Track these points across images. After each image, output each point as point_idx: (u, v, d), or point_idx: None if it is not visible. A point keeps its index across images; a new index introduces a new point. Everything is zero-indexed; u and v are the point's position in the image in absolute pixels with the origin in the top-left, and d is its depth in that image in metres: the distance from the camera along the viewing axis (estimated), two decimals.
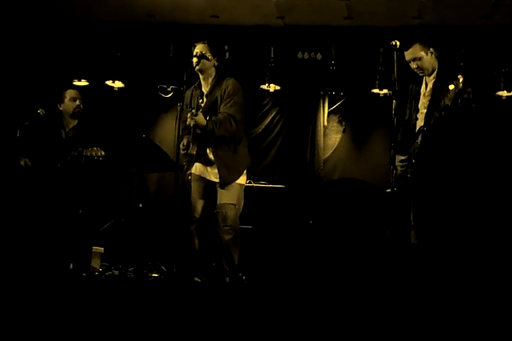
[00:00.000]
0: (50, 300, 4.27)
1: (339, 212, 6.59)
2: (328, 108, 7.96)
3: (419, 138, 5.25)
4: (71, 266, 5.84)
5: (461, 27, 7.39)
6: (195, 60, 5.72)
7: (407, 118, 5.57)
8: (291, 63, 7.88)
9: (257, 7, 7.38)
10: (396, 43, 5.15)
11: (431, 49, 5.39)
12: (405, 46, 5.38)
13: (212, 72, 5.82)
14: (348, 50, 7.74)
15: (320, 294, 5.02)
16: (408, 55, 5.42)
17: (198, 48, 5.78)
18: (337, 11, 7.32)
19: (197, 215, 5.74)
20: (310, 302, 4.56)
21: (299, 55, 7.83)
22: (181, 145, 5.70)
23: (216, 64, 5.82)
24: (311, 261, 6.26)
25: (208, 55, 5.70)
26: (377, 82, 7.54)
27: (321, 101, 7.94)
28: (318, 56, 7.79)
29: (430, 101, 5.36)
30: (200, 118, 5.52)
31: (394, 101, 5.09)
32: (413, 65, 5.43)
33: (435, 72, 5.42)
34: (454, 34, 7.30)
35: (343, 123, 7.96)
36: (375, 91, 7.58)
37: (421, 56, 5.38)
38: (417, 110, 5.49)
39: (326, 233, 6.49)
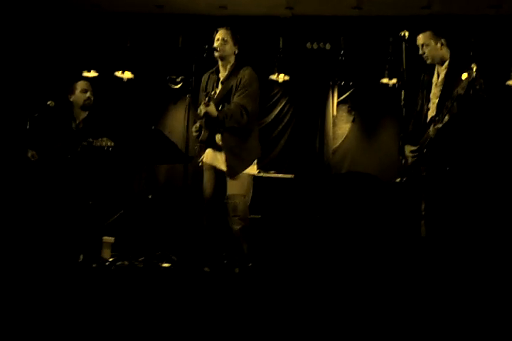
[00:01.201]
0: (61, 291, 4.30)
1: (346, 206, 6.60)
2: (338, 98, 7.99)
3: (431, 127, 5.24)
4: (81, 257, 5.86)
5: (471, 16, 7.37)
6: (216, 44, 5.71)
7: (418, 108, 5.56)
8: (300, 53, 7.91)
9: None
10: (405, 34, 5.16)
11: (442, 40, 5.39)
12: (420, 31, 5.40)
13: (232, 59, 5.80)
14: (357, 40, 7.76)
15: (328, 285, 5.02)
16: (419, 39, 5.43)
17: (221, 34, 5.75)
18: (346, 0, 7.31)
19: (208, 203, 5.76)
20: (318, 294, 4.57)
21: (308, 45, 7.85)
22: (194, 128, 5.73)
23: (236, 52, 5.81)
24: (319, 253, 6.27)
25: (230, 41, 5.70)
26: (386, 72, 7.57)
27: (330, 91, 7.97)
28: (327, 46, 7.82)
29: (442, 90, 5.34)
30: (212, 109, 5.52)
31: (403, 91, 5.09)
32: (421, 51, 5.44)
33: (447, 62, 5.41)
34: (463, 24, 7.28)
35: (353, 113, 7.98)
36: (384, 81, 7.59)
37: (428, 43, 5.38)
38: (429, 100, 5.48)
39: (333, 227, 6.50)
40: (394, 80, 7.51)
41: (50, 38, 8.10)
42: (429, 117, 5.40)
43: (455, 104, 5.08)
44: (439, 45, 5.38)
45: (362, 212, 6.56)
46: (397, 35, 5.29)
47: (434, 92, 5.45)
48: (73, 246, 5.82)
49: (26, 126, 6.10)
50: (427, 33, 5.40)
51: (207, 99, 5.53)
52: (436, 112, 5.31)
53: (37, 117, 6.13)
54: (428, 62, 5.45)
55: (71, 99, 6.35)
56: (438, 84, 5.43)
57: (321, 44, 7.82)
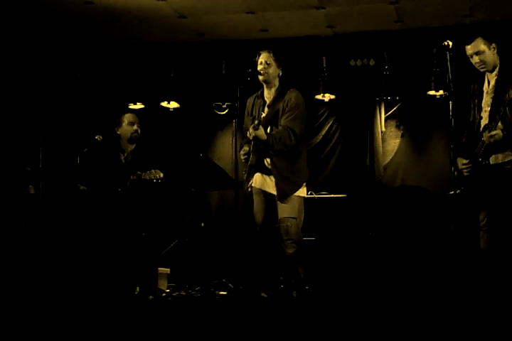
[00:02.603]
0: (120, 324, 4.28)
1: (400, 221, 6.49)
2: (385, 113, 7.90)
3: (484, 135, 5.12)
4: (138, 289, 5.86)
5: None
6: (260, 68, 5.70)
7: (471, 119, 5.45)
8: (344, 71, 7.86)
9: (305, 18, 7.39)
10: (448, 43, 5.06)
11: (493, 44, 5.28)
12: (467, 40, 5.29)
13: (277, 82, 5.79)
14: (401, 54, 7.66)
15: (388, 305, 4.92)
16: (470, 49, 5.31)
17: (263, 57, 5.76)
18: (386, 15, 7.26)
19: (260, 228, 5.71)
20: (378, 314, 4.47)
21: (352, 62, 7.80)
22: (242, 151, 5.71)
23: (281, 74, 5.79)
24: (376, 271, 6.16)
25: (273, 64, 5.69)
26: (432, 84, 7.45)
27: (377, 107, 7.89)
28: (371, 62, 7.75)
29: (493, 98, 5.24)
30: (261, 133, 5.51)
31: (450, 102, 5.00)
32: (475, 59, 5.31)
33: (497, 69, 5.30)
34: (506, 30, 7.12)
35: (401, 127, 7.87)
36: (431, 93, 7.49)
37: (483, 50, 5.27)
38: (481, 109, 5.38)
39: (387, 243, 6.38)
40: (441, 92, 7.41)
41: (96, 73, 8.23)
42: (482, 126, 5.28)
43: (507, 109, 5.00)
44: (492, 49, 5.28)
45: (416, 226, 6.43)
46: (440, 45, 5.19)
47: (486, 100, 5.34)
48: (129, 278, 5.82)
49: (76, 161, 6.14)
50: (479, 40, 5.28)
51: (256, 122, 5.51)
52: (489, 120, 5.21)
53: (86, 152, 6.17)
54: (483, 70, 5.33)
55: (118, 132, 6.35)
56: (489, 92, 5.33)
57: (365, 60, 7.75)
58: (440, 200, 6.28)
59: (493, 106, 5.22)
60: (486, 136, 5.13)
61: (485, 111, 5.33)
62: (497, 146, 5.15)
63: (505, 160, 5.19)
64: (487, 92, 5.37)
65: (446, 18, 7.27)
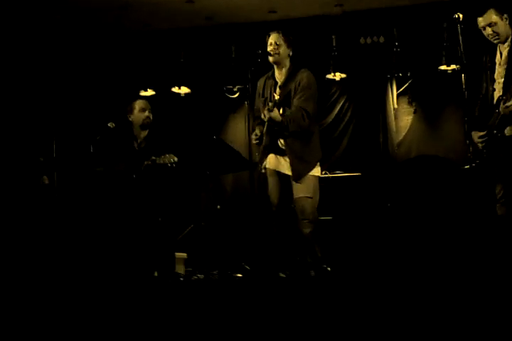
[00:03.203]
0: (140, 308, 4.30)
1: (417, 191, 6.45)
2: (397, 90, 7.84)
3: (501, 106, 5.07)
4: (156, 273, 5.88)
5: None
6: (270, 48, 5.69)
7: (484, 91, 5.40)
8: (354, 50, 7.80)
9: None
10: (459, 16, 5.03)
11: (505, 15, 5.22)
12: (479, 12, 5.24)
13: (287, 62, 5.78)
14: (411, 30, 7.60)
15: (407, 281, 4.90)
16: (482, 21, 5.25)
17: (273, 38, 5.75)
18: None
19: (275, 209, 5.71)
20: (396, 291, 4.46)
21: (361, 40, 7.75)
22: (253, 136, 5.70)
23: (291, 54, 5.77)
24: (393, 246, 6.14)
25: (283, 44, 5.67)
26: (443, 59, 7.37)
27: (389, 85, 7.83)
28: (381, 39, 7.70)
29: (507, 69, 5.19)
30: (276, 114, 5.50)
31: (463, 75, 4.96)
32: (488, 31, 5.25)
33: (509, 40, 5.24)
34: None
35: (413, 103, 7.80)
36: (443, 67, 7.41)
37: (496, 21, 5.21)
38: (494, 81, 5.31)
39: (405, 214, 6.35)
40: (452, 66, 7.33)
41: (106, 60, 8.24)
42: (495, 98, 5.23)
43: None
44: (504, 20, 5.22)
45: (433, 197, 6.39)
46: (450, 19, 5.15)
47: (499, 72, 5.28)
48: (147, 263, 5.84)
49: (90, 149, 6.15)
50: (491, 11, 5.22)
51: (271, 104, 5.50)
52: (503, 91, 5.15)
53: (99, 140, 6.17)
54: (496, 41, 5.27)
55: (130, 119, 6.33)
56: (502, 63, 5.27)
57: (375, 38, 7.69)
58: (457, 171, 6.24)
59: (507, 77, 5.16)
60: (501, 107, 5.06)
61: (498, 82, 5.27)
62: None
63: None
64: (499, 64, 5.31)
65: None
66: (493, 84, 5.32)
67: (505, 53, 5.27)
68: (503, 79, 5.21)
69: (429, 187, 6.49)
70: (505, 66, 5.23)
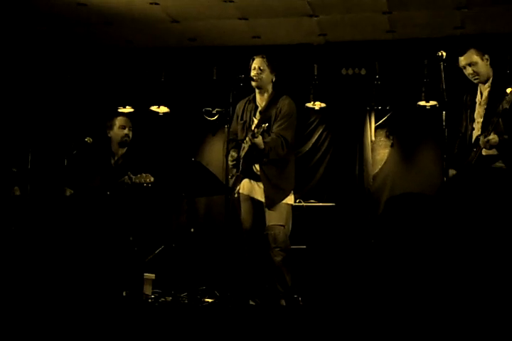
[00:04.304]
0: (106, 327, 4.24)
1: (401, 229, 6.46)
2: (375, 123, 7.89)
3: (480, 139, 5.12)
4: (124, 293, 5.80)
5: (505, 35, 7.24)
6: (253, 73, 5.68)
7: (463, 130, 5.48)
8: (335, 80, 7.85)
9: (298, 25, 7.40)
10: (442, 54, 5.08)
11: (486, 55, 5.31)
12: (460, 51, 5.32)
13: (270, 88, 5.80)
14: (392, 64, 7.67)
15: (380, 315, 4.88)
16: (463, 60, 5.33)
17: (257, 63, 5.76)
18: (379, 25, 7.28)
19: (248, 234, 5.69)
20: (370, 325, 4.44)
21: (343, 71, 7.80)
22: (230, 157, 5.69)
23: (274, 79, 5.78)
24: (368, 279, 6.13)
25: (266, 70, 5.67)
26: (423, 94, 7.46)
27: (368, 117, 7.88)
28: (363, 71, 7.75)
29: (486, 109, 5.27)
30: (260, 141, 5.49)
31: (444, 112, 5.00)
32: (468, 71, 5.32)
33: (490, 80, 5.34)
34: (498, 42, 7.14)
35: (391, 137, 7.87)
36: (422, 103, 7.50)
37: (476, 61, 5.29)
38: (473, 120, 5.40)
39: (388, 251, 6.34)
40: (431, 102, 7.43)
41: (85, 75, 8.18)
42: (474, 137, 5.30)
43: (500, 119, 5.02)
44: (485, 61, 5.31)
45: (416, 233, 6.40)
46: (431, 56, 5.22)
47: (479, 112, 5.37)
48: (116, 282, 5.76)
49: (64, 163, 6.07)
50: (472, 51, 5.31)
51: (256, 130, 5.48)
52: (482, 131, 5.22)
53: (75, 154, 6.09)
54: (477, 81, 5.35)
55: (109, 135, 6.26)
56: (482, 103, 5.36)
57: (356, 69, 7.75)
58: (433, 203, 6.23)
59: (486, 117, 5.24)
60: (482, 140, 5.11)
61: (477, 122, 5.35)
62: (490, 158, 5.16)
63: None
64: (479, 104, 5.39)
65: (438, 30, 7.30)
66: (473, 124, 5.39)
67: (485, 94, 5.34)
68: (482, 119, 5.29)
69: (413, 224, 6.49)
70: (485, 106, 5.31)
